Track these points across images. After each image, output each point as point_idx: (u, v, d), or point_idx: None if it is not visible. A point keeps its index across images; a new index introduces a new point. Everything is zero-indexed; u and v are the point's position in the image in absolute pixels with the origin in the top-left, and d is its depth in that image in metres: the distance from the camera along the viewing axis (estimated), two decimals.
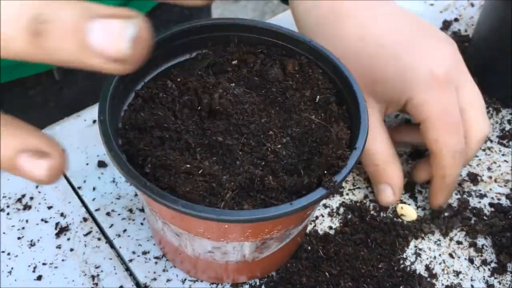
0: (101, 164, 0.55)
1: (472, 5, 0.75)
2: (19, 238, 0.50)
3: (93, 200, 0.52)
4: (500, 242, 0.51)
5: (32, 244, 0.49)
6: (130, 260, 0.49)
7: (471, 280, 0.49)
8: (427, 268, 0.50)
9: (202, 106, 0.42)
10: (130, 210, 0.52)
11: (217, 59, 0.45)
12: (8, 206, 0.51)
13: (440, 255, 0.51)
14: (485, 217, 0.53)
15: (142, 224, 0.51)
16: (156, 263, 0.49)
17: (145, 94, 0.42)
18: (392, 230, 0.51)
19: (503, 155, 0.59)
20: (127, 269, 0.48)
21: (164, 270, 0.48)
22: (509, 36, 0.58)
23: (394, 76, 0.49)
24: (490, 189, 0.56)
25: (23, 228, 0.50)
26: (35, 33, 0.22)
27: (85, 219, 0.51)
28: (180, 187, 0.37)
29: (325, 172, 0.37)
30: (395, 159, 0.51)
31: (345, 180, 0.37)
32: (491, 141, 0.60)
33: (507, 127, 0.61)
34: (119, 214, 0.52)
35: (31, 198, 0.52)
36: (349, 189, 0.55)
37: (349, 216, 0.52)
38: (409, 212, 0.52)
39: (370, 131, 0.40)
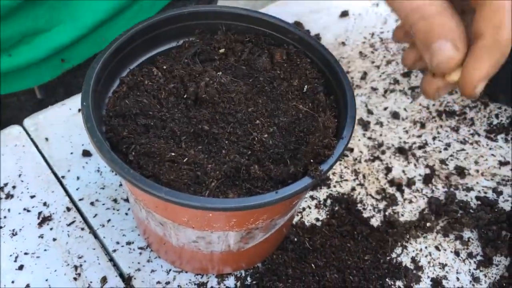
0: (86, 153, 0.54)
1: None
2: (0, 227, 0.49)
3: (77, 189, 0.52)
4: (486, 235, 0.51)
5: (14, 234, 0.48)
6: (114, 251, 0.48)
7: (457, 272, 0.49)
8: (413, 260, 0.50)
9: (188, 94, 0.41)
10: (115, 200, 0.51)
11: (204, 47, 0.45)
12: None
13: (426, 247, 0.51)
14: (471, 210, 0.53)
15: (126, 214, 0.50)
16: (140, 253, 0.48)
17: (130, 81, 0.42)
18: (379, 224, 0.51)
19: (490, 149, 0.59)
20: (111, 259, 0.48)
21: (148, 261, 0.48)
22: None
23: None
24: (477, 183, 0.56)
25: (4, 217, 0.49)
26: None
27: (68, 209, 0.50)
28: (164, 175, 0.36)
29: (312, 161, 0.37)
30: (451, 8, 0.36)
31: (333, 171, 0.37)
32: (479, 135, 0.60)
33: (495, 121, 0.61)
34: (103, 204, 0.51)
35: (14, 187, 0.51)
36: (336, 181, 0.54)
37: (336, 208, 0.52)
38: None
39: None
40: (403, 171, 0.56)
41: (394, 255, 0.50)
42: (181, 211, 0.37)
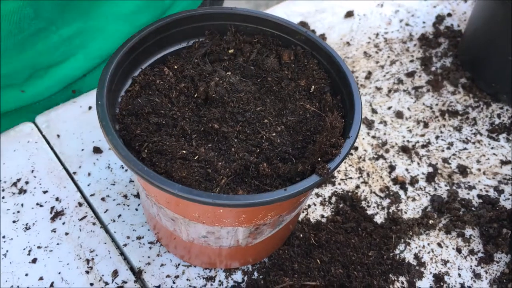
0: (97, 150, 0.55)
1: (465, 0, 0.76)
2: (14, 221, 0.50)
3: (88, 185, 0.53)
4: (487, 233, 0.52)
5: (27, 228, 0.50)
6: (125, 245, 0.49)
7: (459, 269, 0.50)
8: (416, 256, 0.51)
9: (198, 94, 0.42)
10: (125, 196, 0.52)
11: (214, 47, 0.46)
12: (3, 190, 0.52)
13: (428, 244, 0.52)
14: (473, 208, 0.54)
15: (136, 210, 0.52)
16: (150, 248, 0.49)
17: (142, 81, 0.43)
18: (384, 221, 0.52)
19: (492, 148, 0.60)
20: (122, 253, 0.49)
21: (158, 255, 0.49)
22: (500, 35, 0.59)
23: None
24: (479, 181, 0.57)
25: (18, 212, 0.51)
26: None
27: (80, 204, 0.52)
28: (176, 172, 0.37)
29: (319, 159, 0.38)
30: None
31: (338, 169, 0.38)
32: (481, 135, 0.61)
33: (497, 121, 0.62)
34: (114, 200, 0.52)
35: (27, 183, 0.52)
36: (341, 179, 0.56)
37: (341, 205, 0.53)
38: None
39: None
40: (407, 170, 0.57)
41: (397, 251, 0.51)
42: (192, 207, 0.38)
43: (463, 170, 0.57)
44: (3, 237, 0.49)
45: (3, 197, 0.51)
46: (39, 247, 0.49)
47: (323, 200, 0.54)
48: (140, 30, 0.43)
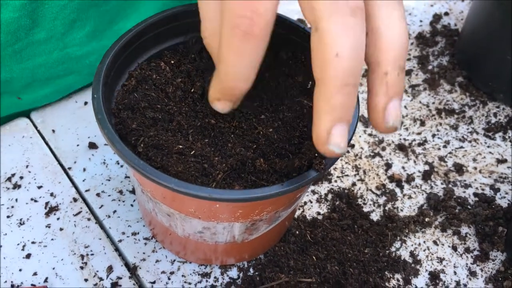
0: (92, 146, 0.55)
1: None
2: (8, 216, 0.50)
3: (83, 181, 0.53)
4: (483, 231, 0.52)
5: (21, 223, 0.49)
6: (120, 241, 0.49)
7: (454, 267, 0.51)
8: (412, 254, 0.51)
9: (195, 89, 0.42)
10: (120, 192, 0.52)
11: None
12: None
13: (424, 242, 0.52)
14: (469, 207, 0.54)
15: (132, 205, 0.51)
16: (145, 244, 0.49)
17: (139, 75, 0.42)
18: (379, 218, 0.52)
19: (488, 147, 0.60)
20: (117, 249, 0.49)
21: (153, 251, 0.49)
22: (496, 34, 0.59)
23: None
24: (475, 180, 0.57)
25: (12, 207, 0.50)
26: None
27: (75, 200, 0.51)
28: (172, 167, 0.37)
29: (316, 155, 0.38)
30: None
31: (334, 167, 0.38)
32: (477, 133, 0.61)
33: (493, 120, 0.62)
34: (109, 195, 0.52)
35: (21, 178, 0.52)
36: (337, 176, 0.56)
37: (337, 203, 0.53)
38: None
39: None
40: (403, 168, 0.57)
41: (393, 249, 0.51)
42: (188, 201, 0.38)
43: (459, 169, 0.57)
44: None
45: None
46: (33, 243, 0.48)
47: (319, 197, 0.54)
48: (136, 24, 0.42)
